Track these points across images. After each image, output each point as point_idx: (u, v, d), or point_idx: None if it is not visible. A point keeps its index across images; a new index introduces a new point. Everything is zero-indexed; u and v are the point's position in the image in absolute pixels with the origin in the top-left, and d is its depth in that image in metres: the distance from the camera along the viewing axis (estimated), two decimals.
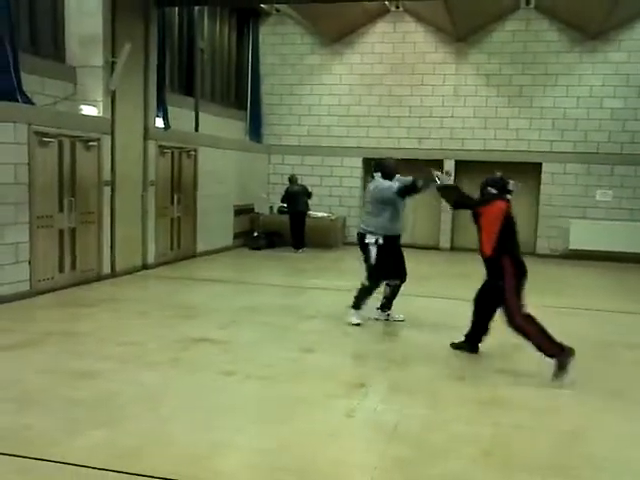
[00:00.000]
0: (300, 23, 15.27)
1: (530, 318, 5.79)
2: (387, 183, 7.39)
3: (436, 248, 14.92)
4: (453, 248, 15.01)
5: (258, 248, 14.17)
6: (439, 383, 5.56)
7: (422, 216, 15.19)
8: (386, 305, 7.77)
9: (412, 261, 13.20)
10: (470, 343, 6.52)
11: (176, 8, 12.31)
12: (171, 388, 5.21)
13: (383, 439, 4.31)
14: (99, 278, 9.65)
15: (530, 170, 14.42)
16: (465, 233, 15.20)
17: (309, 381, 5.51)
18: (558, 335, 7.43)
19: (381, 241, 7.32)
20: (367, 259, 7.46)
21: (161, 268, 11.07)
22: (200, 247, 12.70)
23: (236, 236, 14.34)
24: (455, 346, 6.58)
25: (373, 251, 7.36)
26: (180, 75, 12.87)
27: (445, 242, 15.04)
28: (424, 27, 14.80)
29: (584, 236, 13.97)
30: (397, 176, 7.56)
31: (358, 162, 15.34)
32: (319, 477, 3.79)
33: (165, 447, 4.09)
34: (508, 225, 6.04)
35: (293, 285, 10.13)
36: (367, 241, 7.39)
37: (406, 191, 7.22)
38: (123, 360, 5.84)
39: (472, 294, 9.76)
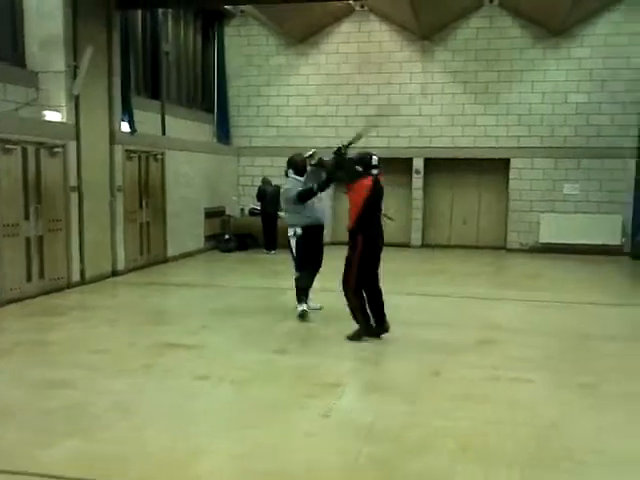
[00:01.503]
0: (265, 24, 15.22)
1: (361, 293, 6.67)
2: (290, 185, 7.90)
3: (407, 245, 14.96)
4: (424, 245, 15.08)
5: (230, 250, 14.09)
6: (414, 380, 5.55)
7: (392, 214, 15.16)
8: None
9: (384, 259, 13.22)
10: (377, 326, 6.83)
11: (139, 11, 12.16)
12: (145, 395, 5.13)
13: (360, 438, 4.29)
14: (68, 286, 9.48)
15: (498, 166, 14.56)
16: (436, 230, 15.33)
17: (284, 383, 5.47)
18: (536, 328, 7.51)
19: (299, 231, 7.82)
20: (291, 251, 8.00)
21: (131, 274, 10.92)
22: (171, 251, 12.57)
23: (207, 239, 14.23)
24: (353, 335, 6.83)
25: (292, 242, 7.91)
26: (145, 78, 12.72)
27: (416, 239, 15.10)
28: (389, 26, 14.85)
29: (553, 229, 14.14)
30: (309, 170, 7.95)
31: None
32: (297, 479, 3.75)
33: (141, 455, 4.03)
34: (371, 202, 6.63)
35: (266, 287, 10.06)
36: (289, 234, 7.95)
37: (305, 196, 7.71)
38: (95, 368, 5.73)
39: (446, 290, 9.85)
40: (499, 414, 4.74)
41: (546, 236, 14.23)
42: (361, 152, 6.92)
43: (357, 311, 6.74)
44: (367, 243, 6.61)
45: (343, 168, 6.91)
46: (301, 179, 7.94)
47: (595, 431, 4.48)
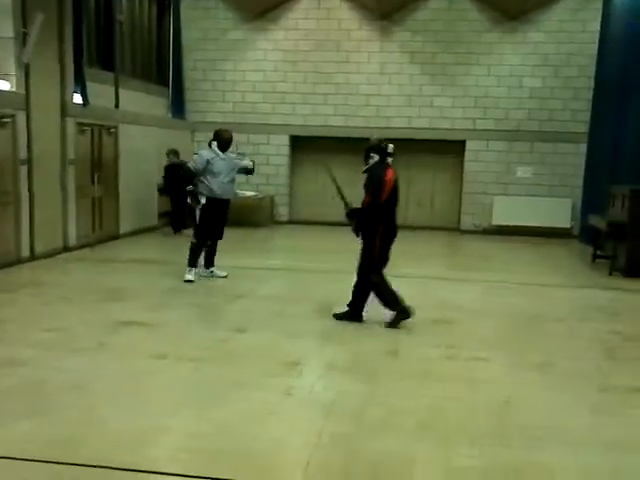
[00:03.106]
0: None
1: (382, 277, 6.56)
2: (204, 154, 8.37)
3: None
4: None
5: (183, 227, 13.86)
6: (374, 359, 5.60)
7: (349, 194, 15.22)
8: (207, 263, 8.70)
9: (341, 239, 13.29)
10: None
11: None
12: (101, 373, 5.02)
13: (322, 416, 4.30)
14: (18, 262, 9.20)
15: (454, 148, 14.69)
16: (400, 211, 15.38)
17: (243, 361, 5.44)
18: (489, 308, 7.63)
19: (203, 201, 8.28)
20: (194, 218, 8.50)
21: (83, 250, 10.67)
22: (123, 227, 12.31)
23: (161, 216, 13.98)
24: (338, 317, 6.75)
25: (197, 211, 8.37)
26: (98, 49, 12.32)
27: None
28: (348, 4, 14.71)
29: (506, 212, 14.38)
30: (228, 152, 8.46)
31: (285, 140, 15.21)
32: (258, 458, 3.74)
33: (98, 434, 3.95)
34: (393, 193, 6.53)
35: (219, 265, 9.94)
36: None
37: (186, 173, 8.49)
38: (49, 346, 5.59)
39: (402, 270, 9.91)
40: (457, 393, 4.81)
41: (499, 218, 14.47)
42: (374, 140, 6.75)
43: (388, 296, 6.53)
44: (386, 232, 6.49)
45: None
46: (221, 154, 8.29)
47: (550, 409, 4.59)
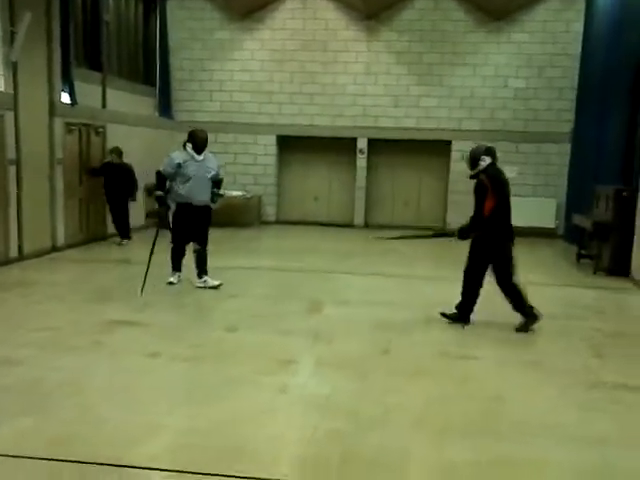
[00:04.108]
0: None
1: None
2: (175, 156, 7.92)
3: (350, 225, 15.08)
4: (367, 225, 15.23)
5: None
6: (366, 357, 5.66)
7: (336, 193, 15.34)
8: (199, 272, 8.19)
9: (329, 239, 13.35)
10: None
11: None
12: (96, 372, 5.05)
13: (317, 413, 4.36)
14: (6, 262, 9.17)
15: (440, 147, 14.80)
16: (378, 210, 15.49)
17: (237, 360, 5.48)
18: (479, 307, 7.69)
19: (173, 207, 8.03)
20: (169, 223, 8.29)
21: (71, 250, 10.65)
22: (111, 227, 12.27)
23: (148, 215, 13.95)
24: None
25: (170, 216, 8.17)
26: (85, 49, 12.28)
27: (359, 219, 15.23)
28: (335, 4, 14.78)
29: None
30: (207, 153, 8.02)
31: (272, 140, 15.25)
32: (255, 454, 3.79)
33: (95, 432, 3.98)
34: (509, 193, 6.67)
35: (210, 265, 9.96)
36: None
37: (158, 178, 8.15)
38: (42, 346, 5.60)
39: (391, 270, 9.97)
40: (449, 389, 4.90)
41: None
42: (481, 146, 6.76)
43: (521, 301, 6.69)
44: (507, 233, 6.69)
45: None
46: (196, 156, 7.82)
47: (539, 405, 4.68)
